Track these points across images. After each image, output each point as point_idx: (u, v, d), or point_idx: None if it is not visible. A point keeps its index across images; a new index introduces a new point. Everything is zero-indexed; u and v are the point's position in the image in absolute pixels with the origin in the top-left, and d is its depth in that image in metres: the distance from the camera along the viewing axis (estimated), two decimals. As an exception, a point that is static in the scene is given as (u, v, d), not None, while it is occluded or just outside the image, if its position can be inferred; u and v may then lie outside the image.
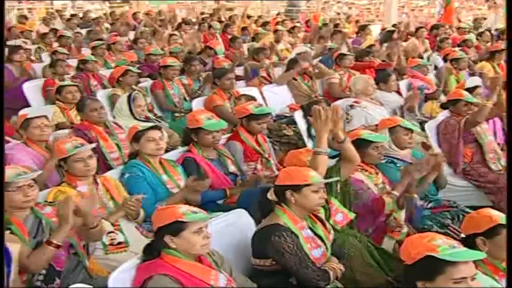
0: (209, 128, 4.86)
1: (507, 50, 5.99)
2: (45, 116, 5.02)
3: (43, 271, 3.40)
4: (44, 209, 3.61)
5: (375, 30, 14.53)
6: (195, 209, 3.13)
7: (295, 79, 8.09)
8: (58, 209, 3.34)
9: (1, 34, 4.83)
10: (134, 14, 17.32)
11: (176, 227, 3.02)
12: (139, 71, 7.78)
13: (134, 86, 7.27)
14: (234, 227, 3.79)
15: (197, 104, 7.05)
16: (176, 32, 12.16)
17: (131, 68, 7.39)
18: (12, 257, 3.09)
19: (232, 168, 5.02)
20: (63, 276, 3.48)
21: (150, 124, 4.80)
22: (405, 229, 4.29)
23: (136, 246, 3.94)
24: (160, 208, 3.24)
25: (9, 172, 3.43)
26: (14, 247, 3.15)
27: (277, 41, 11.10)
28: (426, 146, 5.77)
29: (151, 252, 3.09)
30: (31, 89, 7.59)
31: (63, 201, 3.36)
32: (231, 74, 7.21)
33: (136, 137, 4.57)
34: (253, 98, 6.73)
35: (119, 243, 3.98)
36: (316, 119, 3.93)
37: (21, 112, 5.25)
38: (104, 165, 5.18)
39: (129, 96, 6.22)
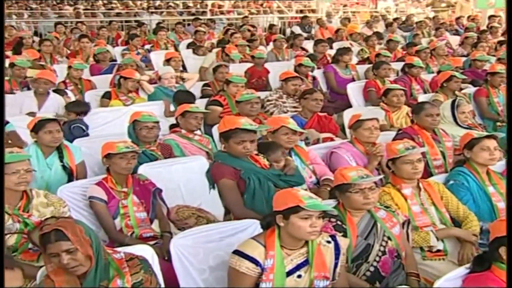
0: None
1: (507, 50, 5.65)
2: (376, 119, 5.19)
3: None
4: (378, 212, 3.69)
5: None
6: None
7: None
8: None
9: (1, 34, 5.12)
10: (458, 18, 16.99)
11: None
12: (463, 76, 7.60)
13: (456, 92, 7.14)
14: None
15: (525, 115, 6.65)
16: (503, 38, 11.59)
17: (456, 73, 7.26)
18: (341, 250, 3.24)
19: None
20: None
21: (485, 133, 4.66)
22: None
23: (455, 256, 3.96)
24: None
25: (352, 174, 3.59)
26: (343, 241, 3.32)
27: None
28: None
29: (482, 263, 3.03)
30: (354, 90, 7.95)
31: None
32: None
33: (469, 144, 4.46)
34: None
35: (438, 250, 3.98)
36: None
37: (353, 113, 5.50)
38: (425, 171, 5.10)
39: (453, 102, 6.10)
